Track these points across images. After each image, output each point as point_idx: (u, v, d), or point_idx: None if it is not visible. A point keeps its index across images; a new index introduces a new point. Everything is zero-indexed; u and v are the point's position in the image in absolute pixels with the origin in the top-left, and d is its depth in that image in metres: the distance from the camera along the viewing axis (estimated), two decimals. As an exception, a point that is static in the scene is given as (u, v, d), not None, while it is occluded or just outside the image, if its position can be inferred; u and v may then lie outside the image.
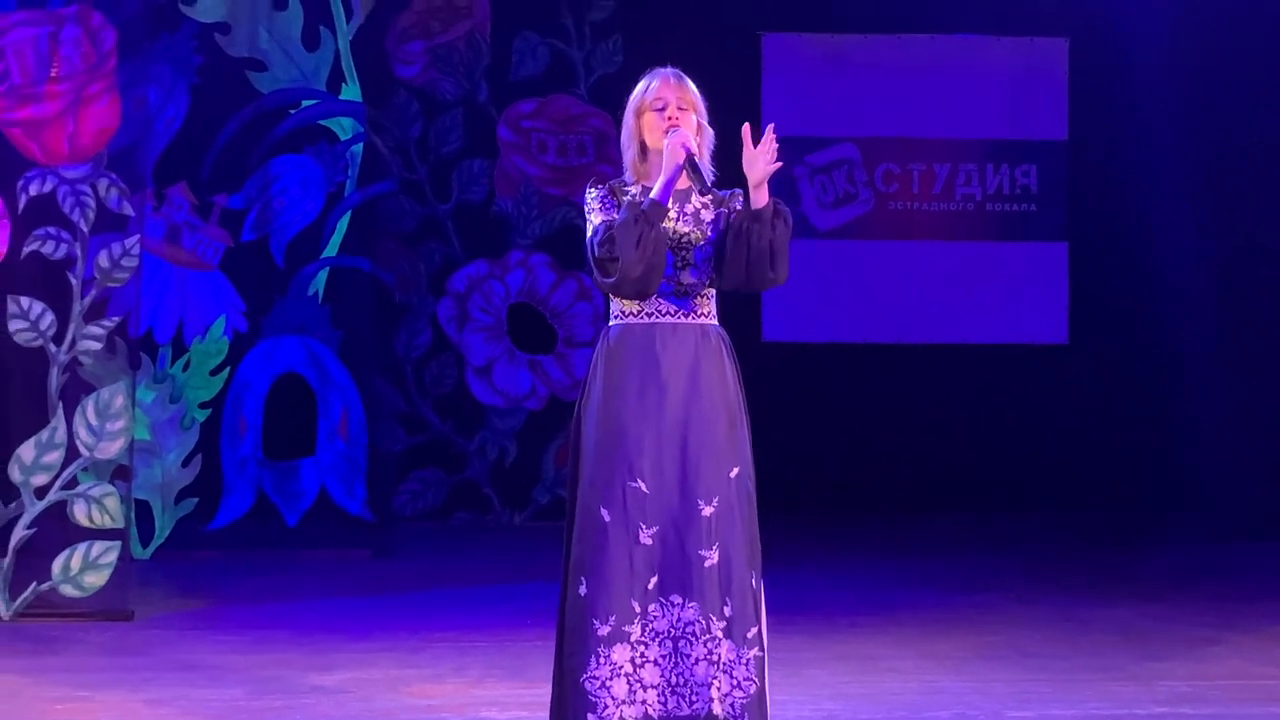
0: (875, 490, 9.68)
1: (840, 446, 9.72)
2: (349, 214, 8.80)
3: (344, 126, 8.80)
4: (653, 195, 3.87)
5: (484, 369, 9.65)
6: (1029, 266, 9.91)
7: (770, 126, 3.90)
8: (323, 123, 8.76)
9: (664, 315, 3.94)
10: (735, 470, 3.93)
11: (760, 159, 3.88)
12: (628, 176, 4.03)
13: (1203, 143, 9.29)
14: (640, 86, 4.00)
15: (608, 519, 3.88)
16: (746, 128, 3.89)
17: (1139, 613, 6.64)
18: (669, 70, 4.01)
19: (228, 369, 8.51)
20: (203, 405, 8.39)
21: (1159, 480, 9.63)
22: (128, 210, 6.49)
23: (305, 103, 8.72)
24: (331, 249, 8.80)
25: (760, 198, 3.91)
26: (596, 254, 3.87)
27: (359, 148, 8.78)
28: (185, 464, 8.26)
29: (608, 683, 3.85)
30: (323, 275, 8.80)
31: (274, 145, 8.66)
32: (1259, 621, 6.41)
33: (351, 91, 8.78)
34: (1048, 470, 9.74)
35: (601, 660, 3.86)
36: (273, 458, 8.76)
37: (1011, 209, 9.93)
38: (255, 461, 8.70)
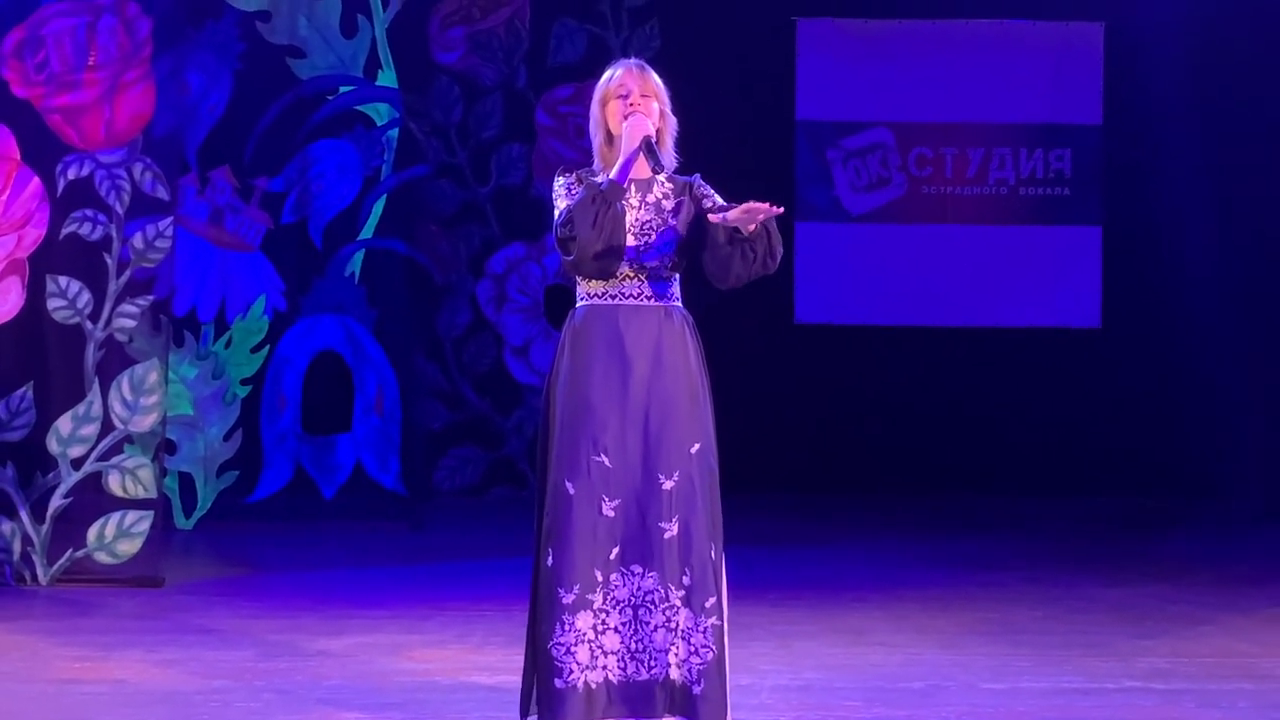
0: (904, 472, 9.76)
1: (870, 428, 9.82)
2: (384, 197, 9.06)
3: (380, 112, 9.03)
4: (610, 176, 4.04)
5: (521, 349, 9.85)
6: (1062, 251, 9.93)
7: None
8: (359, 108, 9.01)
9: (627, 297, 4.11)
10: (696, 446, 4.10)
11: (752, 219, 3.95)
12: (596, 164, 4.21)
13: (1237, 128, 9.28)
14: (605, 76, 4.18)
15: (572, 492, 4.06)
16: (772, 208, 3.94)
17: (1143, 593, 6.68)
18: (632, 60, 4.20)
19: (268, 347, 8.77)
20: (244, 381, 8.67)
21: (1190, 466, 9.62)
22: (161, 194, 6.76)
23: (343, 89, 8.96)
24: (367, 231, 9.05)
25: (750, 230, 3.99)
26: (558, 234, 4.06)
27: (394, 133, 9.02)
28: (227, 438, 8.54)
29: (572, 649, 4.04)
30: (359, 256, 9.05)
31: (313, 130, 8.92)
32: (1260, 604, 6.42)
33: (387, 78, 9.01)
34: (1078, 454, 9.76)
35: (566, 627, 4.04)
36: (311, 432, 9.04)
37: (1045, 193, 9.97)
38: (294, 436, 8.98)
